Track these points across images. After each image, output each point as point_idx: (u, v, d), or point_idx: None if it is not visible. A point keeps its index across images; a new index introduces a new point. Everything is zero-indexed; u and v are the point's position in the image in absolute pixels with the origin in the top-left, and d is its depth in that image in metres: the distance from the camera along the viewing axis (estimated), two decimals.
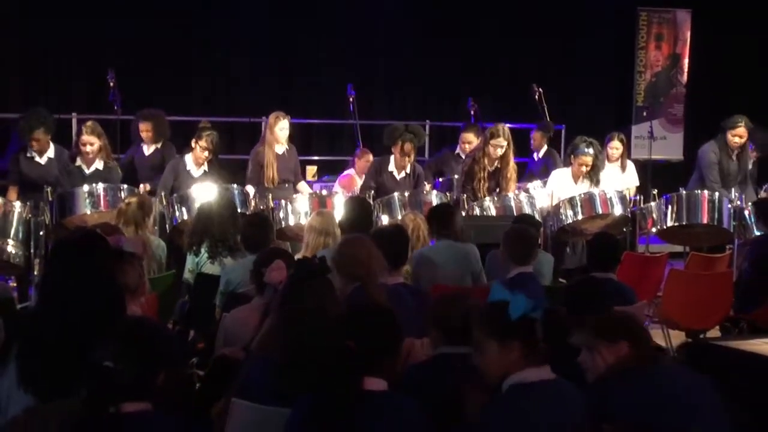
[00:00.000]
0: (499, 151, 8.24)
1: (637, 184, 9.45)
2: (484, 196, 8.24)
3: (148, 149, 8.58)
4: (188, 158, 8.10)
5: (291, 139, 8.60)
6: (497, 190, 8.33)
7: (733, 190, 8.71)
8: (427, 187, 8.43)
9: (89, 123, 7.96)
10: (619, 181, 9.11)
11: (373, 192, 8.14)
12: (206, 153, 8.00)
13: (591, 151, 8.38)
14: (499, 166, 8.34)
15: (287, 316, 3.62)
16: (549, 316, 3.32)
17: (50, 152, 7.85)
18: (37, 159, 7.79)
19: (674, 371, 3.41)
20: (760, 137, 9.49)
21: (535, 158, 10.01)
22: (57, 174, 7.78)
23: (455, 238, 6.14)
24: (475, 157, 8.34)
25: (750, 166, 9.49)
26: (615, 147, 9.31)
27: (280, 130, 8.37)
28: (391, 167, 8.33)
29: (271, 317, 3.92)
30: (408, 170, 8.35)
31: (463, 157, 8.95)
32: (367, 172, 8.62)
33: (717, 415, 3.28)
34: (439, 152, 10.11)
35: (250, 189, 8.20)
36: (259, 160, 8.40)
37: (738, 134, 8.97)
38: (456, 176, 8.52)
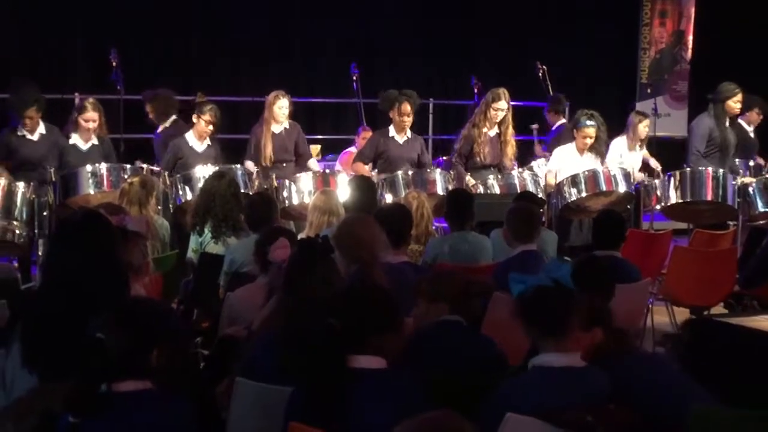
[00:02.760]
0: (500, 115, 8.24)
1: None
2: (485, 160, 8.25)
3: None
4: (189, 135, 8.12)
5: (293, 117, 8.57)
6: (499, 155, 8.35)
7: (737, 161, 8.63)
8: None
9: (92, 100, 7.96)
10: (640, 156, 9.11)
11: (370, 163, 8.25)
12: (210, 127, 8.02)
13: (593, 123, 8.37)
14: (498, 131, 8.34)
15: (286, 298, 3.62)
16: None
17: (41, 129, 7.73)
18: (29, 137, 7.66)
19: (650, 358, 3.40)
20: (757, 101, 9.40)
21: None
22: (48, 152, 7.68)
23: (471, 228, 6.12)
24: (475, 122, 8.33)
25: (752, 133, 9.41)
26: (647, 125, 9.26)
27: (279, 108, 8.35)
28: (392, 133, 8.37)
29: (274, 297, 3.92)
30: (409, 134, 8.40)
31: None
32: (366, 144, 8.59)
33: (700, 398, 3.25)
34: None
35: (251, 164, 8.23)
36: (256, 140, 8.42)
37: (740, 100, 8.82)
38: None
